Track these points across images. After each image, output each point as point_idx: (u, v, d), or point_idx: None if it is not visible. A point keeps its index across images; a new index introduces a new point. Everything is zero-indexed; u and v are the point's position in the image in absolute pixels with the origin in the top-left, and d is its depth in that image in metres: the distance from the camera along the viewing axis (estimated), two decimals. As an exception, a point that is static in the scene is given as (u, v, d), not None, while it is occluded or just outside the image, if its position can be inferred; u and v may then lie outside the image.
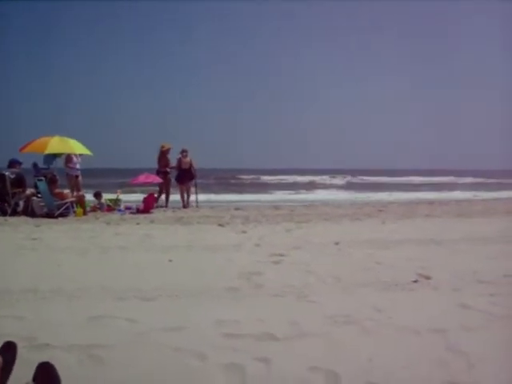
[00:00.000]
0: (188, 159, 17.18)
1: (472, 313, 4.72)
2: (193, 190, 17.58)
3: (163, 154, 17.22)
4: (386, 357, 3.65)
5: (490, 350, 3.77)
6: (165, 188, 17.44)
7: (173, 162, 17.44)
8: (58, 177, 14.76)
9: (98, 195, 16.25)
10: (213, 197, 25.83)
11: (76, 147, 16.09)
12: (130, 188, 20.25)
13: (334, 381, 3.23)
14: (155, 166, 17.54)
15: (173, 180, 17.60)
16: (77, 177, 16.03)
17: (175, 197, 18.01)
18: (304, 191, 34.80)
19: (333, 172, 64.60)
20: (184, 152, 17.22)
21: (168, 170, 17.22)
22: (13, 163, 15.08)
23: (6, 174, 14.31)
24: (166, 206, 17.02)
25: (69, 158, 15.88)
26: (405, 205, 19.26)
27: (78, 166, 16.09)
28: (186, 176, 17.14)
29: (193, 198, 17.60)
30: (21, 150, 15.93)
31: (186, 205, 17.19)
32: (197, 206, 17.32)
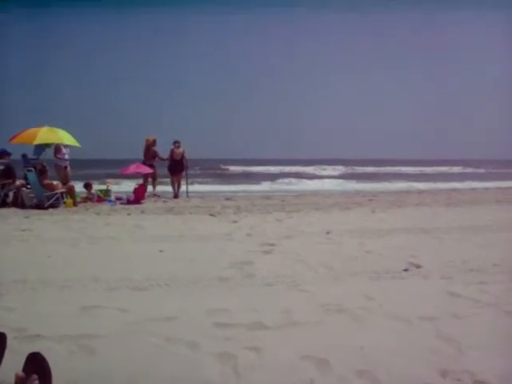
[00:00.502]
0: (180, 150, 17.23)
1: (462, 301, 4.75)
2: (184, 181, 17.64)
3: (148, 147, 17.22)
4: (378, 345, 3.66)
5: (479, 338, 3.79)
6: (152, 177, 17.49)
7: (163, 153, 17.47)
8: (47, 167, 14.67)
9: (88, 186, 16.16)
10: (202, 187, 25.78)
11: (65, 138, 15.98)
12: (116, 180, 20.19)
13: (326, 369, 3.25)
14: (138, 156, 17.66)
15: (162, 170, 17.75)
16: (66, 168, 15.92)
17: (164, 188, 18.02)
18: (295, 181, 34.77)
19: (325, 162, 64.51)
20: (176, 143, 17.27)
21: (154, 163, 17.30)
22: (1, 154, 14.98)
23: (-5, 165, 14.21)
24: (154, 195, 17.03)
25: (57, 149, 15.77)
26: (395, 194, 19.30)
27: (66, 157, 15.99)
28: (177, 167, 17.20)
29: (183, 188, 17.64)
30: (9, 141, 15.80)
31: (176, 195, 17.24)
32: (187, 197, 17.34)
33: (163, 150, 17.52)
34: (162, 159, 17.42)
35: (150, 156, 17.15)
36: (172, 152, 17.20)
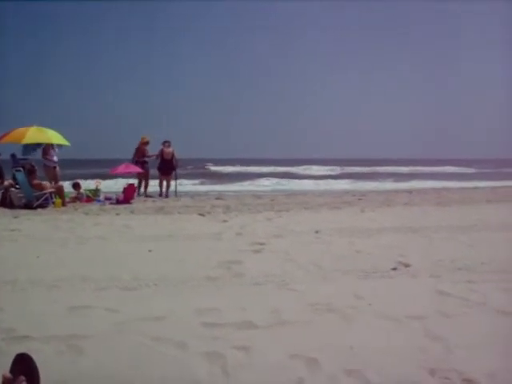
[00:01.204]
0: (170, 149, 17.31)
1: (450, 300, 4.77)
2: (173, 181, 17.69)
3: (142, 146, 17.34)
4: (367, 344, 3.67)
5: (467, 336, 3.81)
6: (144, 178, 17.53)
7: (153, 153, 17.56)
8: (36, 167, 14.59)
9: (76, 186, 16.12)
10: (192, 187, 25.82)
11: (54, 137, 15.93)
12: (107, 181, 20.23)
13: (315, 368, 3.25)
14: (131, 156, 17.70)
15: (153, 170, 17.75)
16: (54, 168, 15.88)
17: (155, 188, 18.00)
18: (285, 181, 34.74)
19: (317, 162, 64.50)
20: (166, 142, 17.35)
21: (146, 159, 17.36)
22: None
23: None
24: (145, 196, 17.00)
25: (46, 150, 15.72)
26: (384, 193, 19.37)
27: (55, 158, 15.94)
28: (167, 166, 17.24)
29: (172, 188, 17.69)
30: (-2, 140, 15.74)
31: (166, 194, 17.34)
32: (176, 196, 17.42)
33: (155, 150, 17.60)
34: (149, 157, 17.47)
35: (140, 154, 17.24)
36: (162, 152, 17.22)
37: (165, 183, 17.49)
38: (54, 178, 15.50)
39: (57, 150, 15.98)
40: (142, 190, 17.52)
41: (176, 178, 17.81)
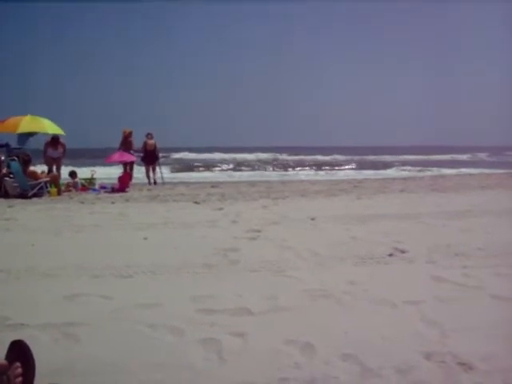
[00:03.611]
0: (152, 141, 18.48)
1: (446, 285, 4.77)
2: (157, 168, 18.90)
3: (126, 138, 18.03)
4: (362, 329, 3.67)
5: (463, 321, 3.82)
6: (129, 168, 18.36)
7: (136, 145, 18.46)
8: (31, 156, 14.56)
9: (72, 174, 16.12)
10: (187, 175, 26.07)
11: (48, 126, 15.90)
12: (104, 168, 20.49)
13: (310, 353, 3.25)
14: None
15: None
16: (59, 158, 16.03)
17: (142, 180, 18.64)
18: (281, 168, 34.77)
19: (317, 150, 64.48)
20: (149, 135, 18.54)
21: (132, 152, 18.11)
22: None
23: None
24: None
25: (54, 142, 15.83)
26: (380, 180, 19.41)
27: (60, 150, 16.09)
28: (151, 157, 18.42)
29: (159, 174, 18.83)
30: (-9, 130, 15.70)
31: (154, 181, 18.43)
32: (163, 183, 18.40)
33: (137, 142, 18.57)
34: (137, 151, 18.38)
35: (127, 146, 17.91)
36: (145, 143, 18.35)
37: (151, 172, 18.57)
38: (57, 167, 15.60)
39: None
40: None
41: (160, 167, 19.01)
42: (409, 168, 34.72)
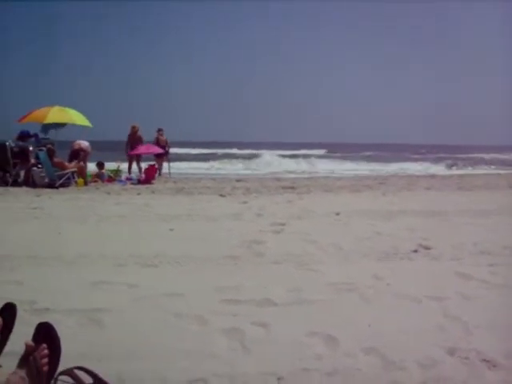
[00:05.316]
0: (164, 138, 19.07)
1: (471, 282, 4.74)
2: (165, 163, 19.61)
3: (134, 133, 18.43)
4: (385, 322, 3.67)
5: (488, 318, 3.78)
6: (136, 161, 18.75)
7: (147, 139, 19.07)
8: (55, 148, 14.69)
9: (100, 165, 16.30)
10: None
11: (76, 117, 16.06)
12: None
13: (333, 345, 3.25)
14: (151, 138, 19.27)
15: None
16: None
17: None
18: (305, 164, 34.59)
19: (337, 146, 64.17)
20: (160, 131, 19.11)
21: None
22: (22, 136, 15.07)
23: (7, 144, 14.21)
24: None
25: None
26: (406, 178, 19.23)
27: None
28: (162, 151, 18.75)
29: (165, 170, 19.53)
30: (20, 120, 15.92)
31: (159, 173, 18.77)
32: (169, 177, 18.83)
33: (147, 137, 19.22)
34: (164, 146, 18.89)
35: (137, 141, 18.33)
36: (157, 139, 18.93)
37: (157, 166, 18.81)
38: (84, 159, 15.73)
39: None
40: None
41: (169, 161, 19.85)
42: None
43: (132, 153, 17.88)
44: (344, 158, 40.53)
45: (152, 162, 18.09)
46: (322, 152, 54.89)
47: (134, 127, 18.39)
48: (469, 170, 30.10)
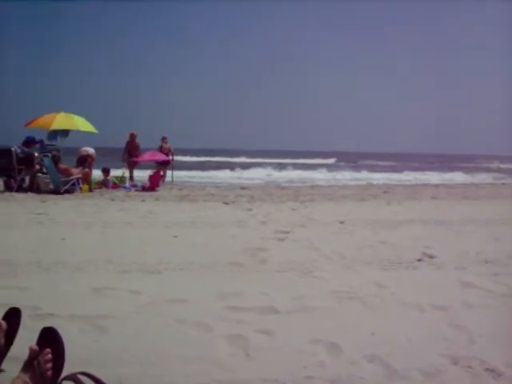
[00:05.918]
0: (168, 145, 19.15)
1: (475, 291, 4.72)
2: (168, 171, 19.50)
3: (132, 141, 18.42)
4: (389, 331, 3.66)
5: (491, 327, 3.77)
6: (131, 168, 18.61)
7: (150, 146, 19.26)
8: (60, 153, 14.74)
9: (105, 171, 16.32)
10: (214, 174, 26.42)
11: (81, 124, 16.12)
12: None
13: (336, 352, 3.25)
14: (155, 145, 19.35)
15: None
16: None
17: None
18: (309, 172, 34.63)
19: (343, 155, 64.21)
20: (165, 139, 19.22)
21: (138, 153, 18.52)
22: (28, 141, 15.10)
23: (13, 149, 14.24)
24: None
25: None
26: (410, 187, 19.24)
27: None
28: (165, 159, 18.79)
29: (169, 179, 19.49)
30: (26, 125, 15.98)
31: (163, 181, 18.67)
32: (172, 182, 19.05)
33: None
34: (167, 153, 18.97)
35: (135, 148, 18.37)
36: (161, 147, 18.99)
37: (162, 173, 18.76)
38: (89, 165, 15.73)
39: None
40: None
41: (172, 169, 19.70)
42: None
43: (137, 159, 17.92)
44: (356, 168, 40.32)
45: (155, 170, 18.02)
46: (332, 161, 55.02)
47: (132, 134, 18.41)
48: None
